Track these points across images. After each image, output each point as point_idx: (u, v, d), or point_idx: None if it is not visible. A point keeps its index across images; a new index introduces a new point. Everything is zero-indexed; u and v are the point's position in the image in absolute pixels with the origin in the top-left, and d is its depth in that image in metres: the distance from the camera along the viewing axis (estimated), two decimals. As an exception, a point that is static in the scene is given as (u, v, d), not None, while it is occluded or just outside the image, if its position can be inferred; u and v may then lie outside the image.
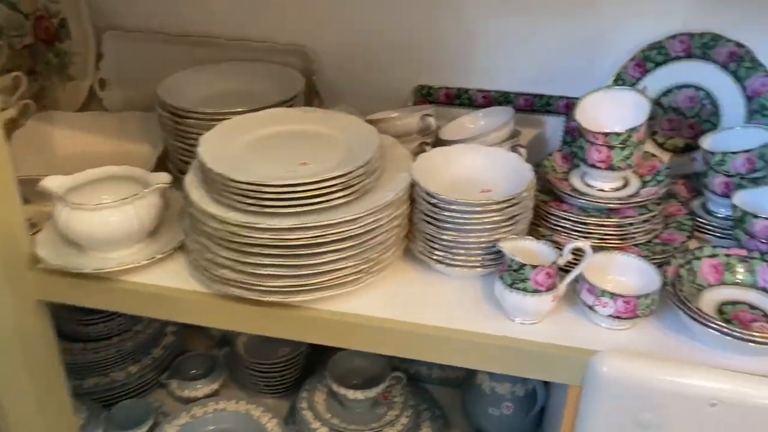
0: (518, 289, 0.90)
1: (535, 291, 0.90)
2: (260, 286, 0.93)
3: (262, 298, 0.93)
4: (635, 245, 1.03)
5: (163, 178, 1.06)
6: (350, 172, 0.93)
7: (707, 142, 1.14)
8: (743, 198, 1.04)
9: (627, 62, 1.20)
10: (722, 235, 1.10)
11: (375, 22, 1.31)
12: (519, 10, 1.24)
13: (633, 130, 0.98)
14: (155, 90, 1.35)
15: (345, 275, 0.94)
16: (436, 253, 0.99)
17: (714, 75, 1.19)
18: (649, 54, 1.19)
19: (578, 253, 0.92)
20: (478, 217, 0.95)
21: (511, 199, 0.95)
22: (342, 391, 1.33)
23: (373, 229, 0.94)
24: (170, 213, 1.10)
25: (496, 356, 0.92)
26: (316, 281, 0.93)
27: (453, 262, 0.98)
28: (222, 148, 1.00)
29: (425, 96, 1.34)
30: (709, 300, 0.94)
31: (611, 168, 1.02)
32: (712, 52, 1.17)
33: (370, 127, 1.06)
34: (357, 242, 0.93)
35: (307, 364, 1.52)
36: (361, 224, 0.92)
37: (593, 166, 1.03)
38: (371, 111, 1.32)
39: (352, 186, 0.94)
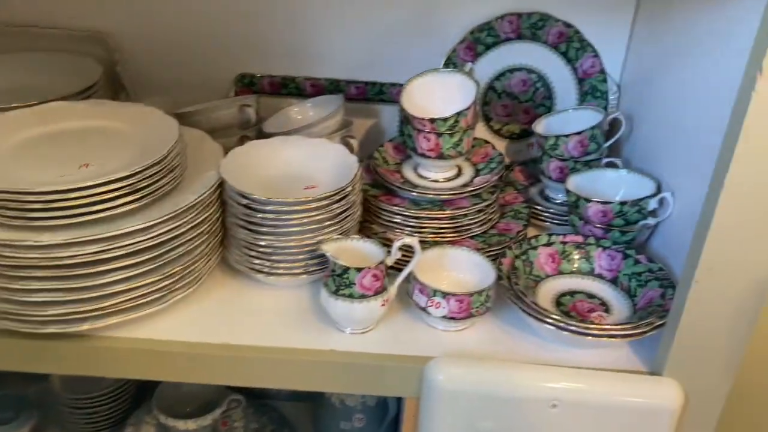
0: (344, 295, 0.80)
1: (362, 296, 0.80)
2: (35, 315, 0.76)
3: (38, 330, 0.77)
4: (471, 237, 0.96)
5: None
6: (139, 172, 0.78)
7: (541, 126, 1.09)
8: (576, 182, 1.00)
9: (456, 45, 1.13)
10: (560, 222, 1.06)
11: (189, 5, 1.16)
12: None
13: (460, 114, 0.91)
14: None
15: (142, 295, 0.80)
16: (254, 261, 0.87)
17: (545, 56, 1.15)
18: (479, 36, 1.13)
19: (408, 251, 0.84)
20: (298, 218, 0.83)
21: (333, 195, 0.85)
22: (171, 422, 1.17)
23: (173, 238, 0.80)
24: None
25: (325, 374, 0.82)
26: (104, 305, 0.78)
27: (274, 271, 0.87)
28: (-20, 151, 0.82)
29: (247, 85, 1.21)
30: (547, 292, 0.89)
31: (441, 156, 0.94)
32: (541, 32, 1.13)
33: (170, 119, 0.91)
34: (152, 255, 0.79)
35: (137, 394, 1.34)
36: (155, 233, 0.78)
37: (423, 155, 0.95)
38: (190, 104, 1.18)
39: (143, 189, 0.79)
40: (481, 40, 1.14)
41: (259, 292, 0.90)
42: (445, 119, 0.91)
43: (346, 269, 0.79)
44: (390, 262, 0.82)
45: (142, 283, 0.79)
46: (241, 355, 0.81)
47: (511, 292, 0.83)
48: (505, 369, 0.77)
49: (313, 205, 0.83)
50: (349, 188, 0.87)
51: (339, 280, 0.80)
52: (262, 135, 1.10)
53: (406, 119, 0.95)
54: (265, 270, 0.87)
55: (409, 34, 1.16)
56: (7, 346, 0.79)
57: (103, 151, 0.86)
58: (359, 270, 0.79)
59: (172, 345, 0.82)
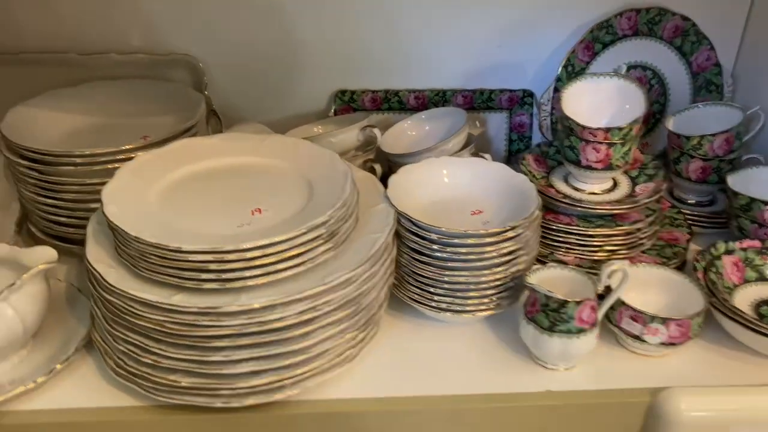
0: (561, 331, 0.73)
1: (581, 331, 0.73)
2: (232, 388, 0.67)
3: (236, 404, 0.67)
4: (643, 252, 0.90)
5: (46, 254, 0.75)
6: (332, 215, 0.69)
7: (671, 124, 1.04)
8: (733, 182, 0.95)
9: (576, 45, 1.07)
10: (708, 225, 1.01)
11: (277, 22, 1.06)
12: (446, -4, 1.06)
13: (635, 122, 0.85)
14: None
15: (340, 351, 0.71)
16: (439, 299, 0.79)
17: (660, 52, 1.10)
18: (598, 34, 1.07)
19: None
20: (492, 249, 0.76)
21: (526, 221, 0.77)
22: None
23: (370, 284, 0.71)
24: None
25: (546, 418, 0.74)
26: (306, 369, 0.68)
27: (462, 308, 0.79)
28: (136, 204, 0.72)
29: (347, 103, 1.12)
30: (742, 303, 0.84)
31: (609, 167, 0.88)
32: (657, 27, 1.08)
33: (324, 151, 0.83)
34: (353, 307, 0.70)
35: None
36: (360, 281, 0.69)
37: (588, 167, 0.88)
38: (283, 128, 1.08)
39: (337, 234, 0.70)
40: (599, 38, 1.08)
41: (437, 332, 0.82)
42: (620, 128, 0.84)
43: (564, 303, 0.72)
44: (600, 289, 0.76)
45: (341, 340, 0.70)
46: (447, 407, 0.73)
47: (725, 308, 0.78)
48: (747, 395, 0.72)
49: (510, 234, 0.76)
50: (537, 211, 0.79)
51: (555, 315, 0.73)
52: (382, 156, 1.02)
53: (568, 129, 0.88)
54: (454, 308, 0.79)
55: (519, 38, 1.10)
56: (195, 424, 0.69)
57: (266, 192, 0.76)
58: (579, 303, 0.72)
59: (368, 403, 0.73)
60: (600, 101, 0.91)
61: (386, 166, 1.04)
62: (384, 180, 0.86)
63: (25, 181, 0.87)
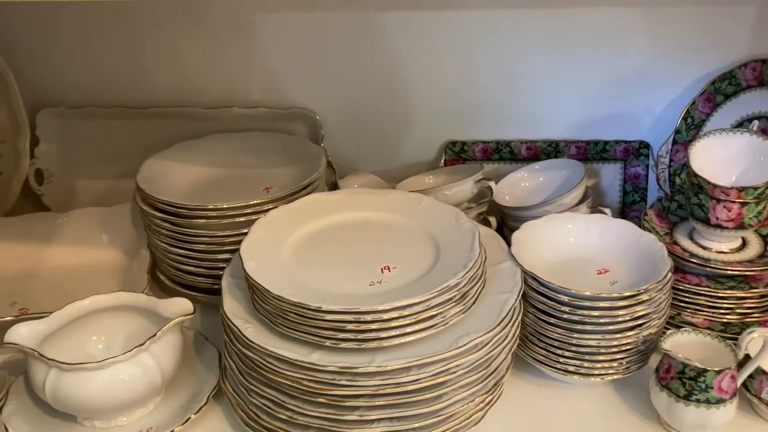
0: (698, 401, 0.70)
1: (720, 401, 0.70)
2: (366, 448, 0.67)
3: (367, 465, 0.67)
4: (777, 315, 0.86)
5: (183, 306, 0.78)
6: (464, 277, 0.69)
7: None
8: None
9: (696, 97, 1.05)
10: None
11: (389, 74, 1.09)
12: (559, 45, 1.05)
13: (771, 181, 0.82)
14: (112, 178, 1.07)
15: (469, 415, 0.70)
16: (566, 361, 0.77)
17: (787, 102, 1.06)
18: (720, 86, 1.04)
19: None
20: (625, 313, 0.74)
21: (663, 281, 0.75)
22: None
23: (499, 346, 0.71)
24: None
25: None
26: (436, 431, 0.68)
27: (590, 371, 0.77)
28: (272, 260, 0.74)
29: (458, 153, 1.13)
30: None
31: (741, 227, 0.84)
32: (785, 77, 1.04)
33: (445, 206, 0.83)
34: (484, 370, 0.70)
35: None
36: (491, 344, 0.69)
37: (718, 226, 0.85)
38: (393, 178, 1.10)
39: (468, 295, 0.70)
40: (721, 90, 1.05)
41: (561, 394, 0.80)
42: (756, 187, 0.81)
43: (703, 371, 0.70)
44: (741, 357, 0.72)
45: (472, 401, 0.70)
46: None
47: None
48: None
49: (643, 297, 0.74)
50: (670, 274, 0.77)
51: (692, 383, 0.70)
52: (495, 207, 1.02)
53: (696, 187, 0.85)
54: (581, 371, 0.77)
55: (635, 89, 1.08)
56: (323, 482, 0.70)
57: (393, 248, 0.77)
58: (719, 372, 0.69)
59: (492, 465, 0.72)
60: (729, 158, 0.89)
61: (499, 218, 1.04)
62: (499, 233, 0.86)
63: (158, 232, 0.92)
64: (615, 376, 0.77)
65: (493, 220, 1.00)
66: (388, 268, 0.73)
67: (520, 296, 0.74)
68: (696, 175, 0.85)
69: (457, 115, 1.12)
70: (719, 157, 0.88)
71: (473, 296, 0.71)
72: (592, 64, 1.06)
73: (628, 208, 1.13)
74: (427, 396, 0.66)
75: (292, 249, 0.77)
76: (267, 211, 0.84)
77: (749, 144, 0.88)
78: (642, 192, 1.12)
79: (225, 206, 0.87)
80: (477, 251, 0.72)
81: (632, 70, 1.07)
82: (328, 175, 1.10)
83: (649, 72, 1.07)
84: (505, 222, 1.03)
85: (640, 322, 0.75)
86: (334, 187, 1.08)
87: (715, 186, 0.83)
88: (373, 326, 0.65)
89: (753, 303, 0.84)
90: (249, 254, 0.73)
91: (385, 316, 0.65)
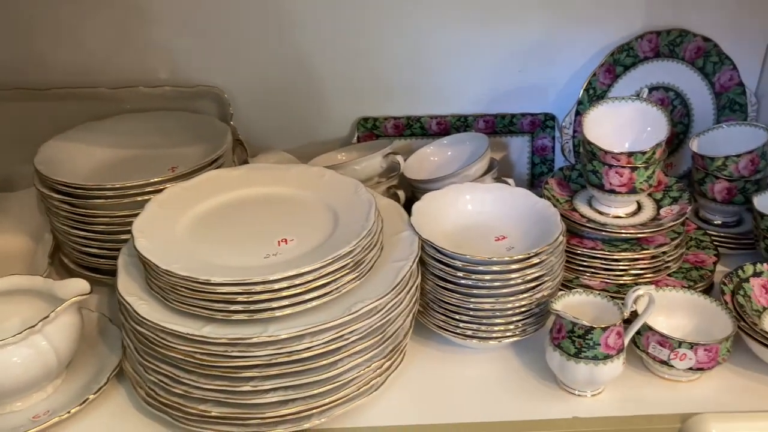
0: (587, 357, 0.73)
1: (607, 357, 0.73)
2: (261, 418, 0.68)
3: (265, 433, 0.68)
4: (669, 275, 0.90)
5: (79, 287, 0.76)
6: (357, 245, 0.70)
7: (694, 145, 1.04)
8: (760, 203, 0.94)
9: (596, 69, 1.08)
10: (735, 246, 1.00)
11: (300, 53, 1.08)
12: (466, 21, 1.07)
13: (658, 145, 0.85)
14: (22, 162, 1.04)
15: (367, 380, 0.71)
16: (465, 326, 0.79)
17: (682, 73, 1.10)
18: (619, 57, 1.08)
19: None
20: (517, 276, 0.76)
21: (552, 246, 0.78)
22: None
23: (396, 313, 0.72)
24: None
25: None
26: (334, 398, 0.69)
27: (488, 335, 0.79)
28: (165, 236, 0.73)
29: (370, 130, 1.13)
30: (771, 325, 0.83)
31: (633, 191, 0.88)
32: (679, 49, 1.08)
33: (346, 179, 0.84)
34: (380, 335, 0.71)
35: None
36: (383, 310, 0.70)
37: (612, 191, 0.88)
38: (307, 155, 1.10)
39: (362, 263, 0.71)
40: (620, 61, 1.08)
41: (462, 359, 0.82)
42: (644, 152, 0.84)
43: (590, 329, 0.72)
44: (626, 315, 0.76)
45: (367, 368, 0.71)
46: (476, 435, 0.73)
47: (755, 332, 0.77)
48: (780, 421, 0.71)
49: (535, 260, 0.76)
50: (561, 237, 0.80)
51: (581, 341, 0.73)
52: (405, 182, 1.03)
53: (590, 154, 0.88)
54: (479, 335, 0.79)
55: (539, 62, 1.11)
56: (224, 453, 0.70)
57: (292, 221, 0.78)
58: (604, 329, 0.72)
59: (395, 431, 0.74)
60: (622, 125, 0.92)
61: (409, 191, 1.05)
62: (407, 206, 0.87)
63: (57, 214, 0.90)
64: (512, 339, 0.80)
65: (401, 193, 1.01)
66: (285, 241, 0.74)
67: (415, 263, 0.75)
68: (589, 143, 0.87)
69: (369, 91, 1.12)
70: (612, 125, 0.92)
71: (368, 264, 0.72)
72: (498, 39, 1.08)
73: (537, 180, 1.16)
74: (323, 362, 0.67)
75: (188, 225, 0.77)
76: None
77: (639, 110, 0.91)
78: (549, 163, 1.15)
79: (123, 185, 0.85)
80: (372, 220, 0.73)
81: (536, 43, 1.09)
82: (240, 154, 1.09)
83: (553, 45, 1.09)
84: (415, 195, 1.04)
85: (532, 284, 0.77)
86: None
87: (606, 152, 0.86)
88: (264, 296, 0.65)
89: (645, 264, 0.88)
90: (141, 231, 0.72)
91: (276, 286, 0.65)
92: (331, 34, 1.07)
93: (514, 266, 0.76)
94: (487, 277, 0.76)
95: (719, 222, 1.04)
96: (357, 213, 0.76)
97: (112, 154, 1.00)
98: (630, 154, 0.85)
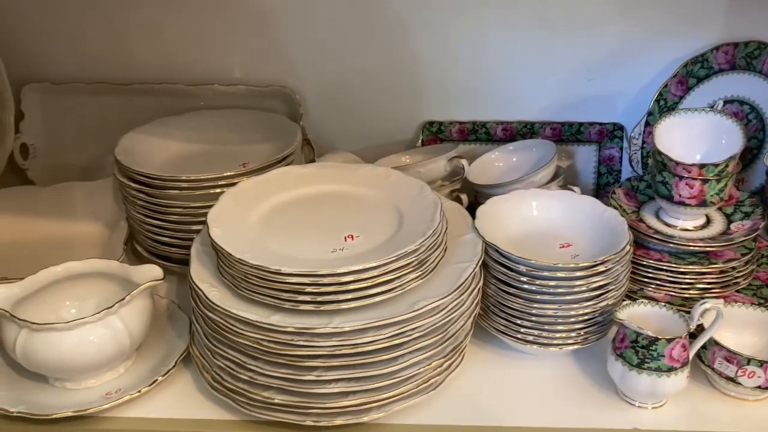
0: (650, 369, 0.72)
1: (671, 369, 0.72)
2: (322, 407, 0.69)
3: (325, 423, 0.70)
4: (737, 291, 0.88)
5: (152, 272, 0.80)
6: (422, 244, 0.71)
7: (768, 160, 1.01)
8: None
9: (668, 80, 1.06)
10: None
11: (369, 55, 1.10)
12: (536, 27, 1.07)
13: (731, 158, 0.83)
14: (102, 153, 1.09)
15: (426, 378, 0.72)
16: (526, 331, 0.79)
17: (758, 86, 1.07)
18: (692, 68, 1.06)
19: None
20: (582, 283, 0.76)
21: (618, 255, 0.77)
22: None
23: (458, 312, 0.73)
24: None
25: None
26: (393, 393, 0.70)
27: (549, 341, 0.79)
28: (238, 227, 0.76)
29: (435, 134, 1.14)
30: None
31: (703, 204, 0.86)
32: (756, 61, 1.05)
33: (413, 180, 0.85)
34: (441, 334, 0.71)
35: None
36: (447, 309, 0.71)
37: (682, 203, 0.86)
38: (372, 157, 1.12)
39: (426, 262, 0.72)
40: (693, 72, 1.06)
41: (522, 364, 0.82)
42: (716, 165, 0.83)
43: (654, 340, 0.71)
44: (692, 327, 0.74)
45: (427, 366, 0.72)
46: (533, 439, 0.73)
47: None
48: None
49: (600, 268, 0.76)
50: (628, 246, 0.79)
51: (644, 351, 0.72)
52: (469, 186, 1.04)
53: (660, 164, 0.87)
54: (540, 341, 0.79)
55: (610, 71, 1.10)
56: (283, 441, 0.72)
57: (358, 218, 0.79)
58: (669, 341, 0.71)
59: (449, 431, 0.74)
60: (694, 136, 0.90)
61: (473, 196, 1.05)
62: (470, 211, 0.88)
63: (134, 203, 0.94)
64: (574, 346, 0.79)
65: (464, 197, 1.01)
66: (352, 237, 0.75)
67: (479, 265, 0.76)
68: (660, 153, 0.86)
69: (436, 95, 1.13)
70: (684, 137, 0.90)
71: (432, 263, 0.73)
72: (568, 47, 1.08)
73: (602, 190, 1.14)
74: (384, 357, 0.68)
75: (259, 217, 0.79)
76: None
77: (713, 122, 0.89)
78: (616, 174, 1.14)
79: (198, 177, 0.89)
80: (437, 221, 0.74)
81: (607, 52, 1.08)
82: (307, 153, 1.12)
83: (624, 55, 1.08)
84: (478, 200, 1.05)
85: (597, 293, 0.77)
86: (312, 164, 1.10)
87: (677, 163, 0.85)
88: (331, 288, 0.67)
89: (713, 278, 0.86)
90: (215, 221, 0.75)
91: (343, 279, 0.67)
92: (400, 38, 1.09)
93: (579, 273, 0.75)
94: (551, 283, 0.76)
95: (795, 239, 1.01)
96: (422, 213, 0.77)
97: (187, 148, 1.04)
98: (702, 166, 0.83)
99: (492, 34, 1.08)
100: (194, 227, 0.90)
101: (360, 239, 0.75)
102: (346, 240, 0.75)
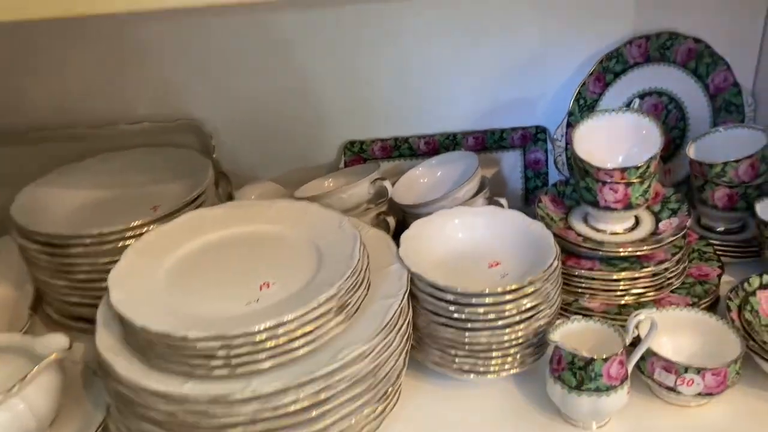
0: (589, 389, 0.70)
1: (610, 388, 0.70)
2: (247, 477, 0.64)
3: (255, 493, 0.65)
4: (672, 292, 0.86)
5: (59, 342, 0.74)
6: (341, 288, 0.67)
7: (691, 151, 1.00)
8: (763, 211, 0.91)
9: (586, 78, 1.04)
10: (738, 255, 0.97)
11: (271, 78, 1.05)
12: (449, 37, 1.04)
13: (652, 158, 0.82)
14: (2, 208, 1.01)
15: (360, 428, 0.68)
16: (461, 360, 0.76)
17: (674, 76, 1.07)
18: (608, 65, 1.04)
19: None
20: (512, 307, 0.73)
21: (547, 272, 0.74)
22: None
23: (388, 354, 0.69)
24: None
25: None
26: (327, 448, 0.66)
27: (486, 369, 0.76)
28: (143, 288, 0.71)
29: (358, 153, 1.10)
30: (782, 341, 0.79)
31: (629, 207, 0.84)
32: (669, 52, 1.05)
33: (332, 213, 0.81)
34: (371, 379, 0.68)
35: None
36: (375, 353, 0.67)
37: (607, 208, 0.85)
38: (294, 182, 1.07)
39: (348, 305, 0.68)
40: (610, 68, 1.05)
41: (462, 394, 0.79)
42: (637, 167, 0.81)
43: (590, 360, 0.69)
44: (628, 342, 0.72)
45: (361, 414, 0.68)
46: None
47: (765, 352, 0.73)
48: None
49: (529, 290, 0.73)
50: (556, 262, 0.76)
51: (581, 373, 0.70)
52: (395, 207, 1.00)
53: (582, 171, 0.85)
54: (477, 369, 0.76)
55: (527, 75, 1.07)
56: None
57: (274, 262, 0.75)
58: (606, 360, 0.69)
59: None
60: (614, 137, 0.89)
61: (401, 215, 1.02)
62: (400, 230, 0.84)
63: (36, 264, 0.87)
64: (511, 371, 0.76)
65: (391, 220, 0.98)
66: (267, 285, 0.71)
67: (404, 299, 0.72)
68: (580, 159, 0.84)
69: (353, 115, 1.09)
70: (603, 138, 0.89)
71: (354, 305, 0.69)
72: (483, 54, 1.05)
73: (532, 195, 1.12)
74: (311, 416, 0.64)
75: (168, 273, 0.74)
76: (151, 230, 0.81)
77: (632, 122, 0.88)
78: (543, 177, 1.12)
79: (101, 232, 0.82)
80: (356, 258, 0.70)
81: (522, 56, 1.06)
82: (224, 187, 1.06)
83: (540, 56, 1.06)
84: (407, 220, 1.01)
85: (529, 314, 0.74)
86: (229, 198, 1.05)
87: (599, 168, 0.83)
88: (245, 350, 0.62)
89: (646, 282, 0.84)
90: (117, 284, 0.70)
91: (257, 338, 0.62)
92: (312, 58, 1.04)
93: (508, 297, 0.72)
94: (481, 310, 0.73)
95: (722, 229, 1.01)
96: (342, 249, 0.73)
97: (94, 195, 0.98)
98: (623, 170, 0.82)
99: (405, 47, 1.04)
100: (104, 284, 0.84)
101: (276, 287, 0.70)
102: (261, 289, 0.70)
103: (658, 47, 1.04)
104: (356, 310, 0.69)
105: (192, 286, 0.72)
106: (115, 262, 0.78)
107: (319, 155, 1.12)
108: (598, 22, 1.04)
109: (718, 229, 1.01)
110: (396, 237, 0.83)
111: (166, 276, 0.73)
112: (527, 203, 1.11)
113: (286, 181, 1.09)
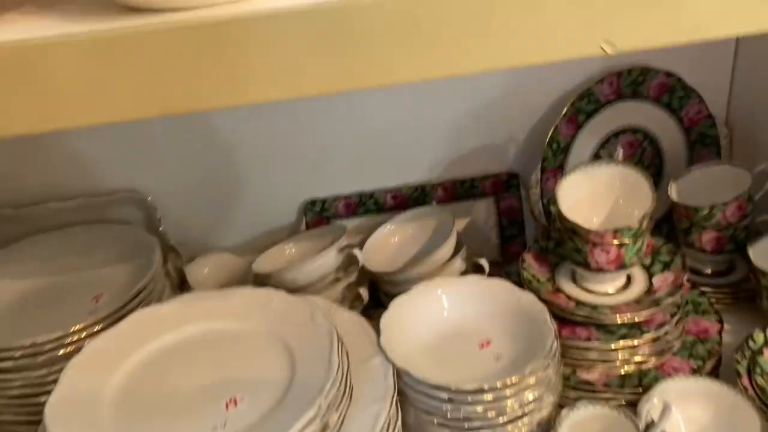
0: (605, 490, 0.62)
1: (629, 485, 0.62)
2: None
3: None
4: (673, 355, 0.80)
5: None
6: (321, 407, 0.58)
7: (674, 193, 0.95)
8: (756, 257, 0.86)
9: (558, 121, 0.98)
10: (733, 298, 0.92)
11: (223, 138, 0.96)
12: (412, 85, 0.95)
13: (644, 217, 0.76)
14: None
15: None
16: (460, 462, 0.68)
17: (647, 112, 1.01)
18: (580, 105, 0.99)
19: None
20: (514, 401, 0.65)
21: (549, 354, 0.67)
22: None
23: (377, 471, 0.60)
24: None
25: None
26: None
27: (488, 470, 0.68)
28: (86, 416, 0.60)
29: (320, 213, 1.01)
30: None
31: (622, 267, 0.78)
32: (642, 87, 0.99)
33: (299, 300, 0.72)
34: (362, 505, 0.59)
35: None
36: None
37: (599, 269, 0.78)
38: (252, 250, 0.98)
39: (329, 427, 0.59)
40: (581, 109, 0.99)
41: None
42: (630, 228, 0.75)
43: (606, 458, 0.62)
44: (642, 428, 0.65)
45: None
46: None
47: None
48: None
49: (532, 380, 0.65)
50: (555, 343, 0.69)
51: (596, 472, 0.62)
52: (366, 275, 0.92)
53: (570, 231, 0.78)
54: (478, 472, 0.68)
55: (494, 120, 1.01)
56: None
57: (239, 369, 0.65)
58: (622, 455, 0.62)
59: None
60: (599, 191, 0.83)
61: (371, 277, 0.93)
62: (374, 301, 0.75)
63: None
64: (516, 466, 0.69)
65: (364, 292, 0.89)
66: (234, 402, 0.61)
67: (393, 404, 0.63)
68: (567, 220, 0.77)
69: (312, 172, 1.00)
70: (588, 191, 0.83)
71: (338, 421, 0.60)
72: (448, 101, 0.98)
73: (508, 244, 1.05)
74: None
75: (114, 393, 0.63)
76: (93, 333, 0.71)
77: (617, 174, 0.82)
78: (519, 225, 1.05)
79: (35, 342, 0.71)
80: (335, 364, 0.61)
81: (489, 101, 0.99)
82: (174, 261, 0.96)
83: (508, 100, 1.00)
84: (380, 286, 0.93)
85: (531, 407, 0.66)
86: (180, 274, 0.94)
87: (588, 231, 0.76)
88: (215, 496, 0.52)
89: (647, 350, 0.78)
90: (55, 416, 0.59)
91: (229, 480, 0.52)
92: (262, 115, 0.95)
93: (508, 392, 0.65)
94: (480, 408, 0.65)
95: (709, 271, 0.96)
96: (316, 349, 0.64)
97: (23, 287, 0.86)
98: (616, 231, 0.75)
99: (366, 97, 0.96)
100: (42, 399, 0.73)
101: (244, 404, 0.61)
102: (227, 408, 0.61)
103: (630, 83, 0.99)
104: (339, 426, 0.60)
105: (145, 412, 0.61)
106: (53, 373, 0.68)
107: (277, 218, 1.02)
108: (567, 60, 0.98)
109: (706, 272, 0.96)
110: (370, 306, 0.74)
111: (114, 399, 0.63)
112: (505, 254, 1.05)
113: (242, 250, 0.99)
